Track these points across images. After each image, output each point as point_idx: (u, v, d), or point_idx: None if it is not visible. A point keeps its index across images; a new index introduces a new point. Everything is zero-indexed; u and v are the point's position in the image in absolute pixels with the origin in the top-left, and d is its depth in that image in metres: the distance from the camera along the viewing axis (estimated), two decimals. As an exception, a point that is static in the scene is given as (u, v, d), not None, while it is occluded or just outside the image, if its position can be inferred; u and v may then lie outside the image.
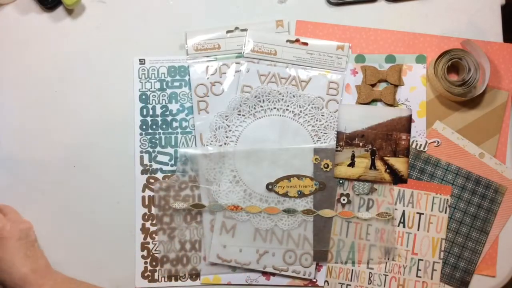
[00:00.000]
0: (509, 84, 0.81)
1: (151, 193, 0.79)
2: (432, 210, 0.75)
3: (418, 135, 0.79)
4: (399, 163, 0.76)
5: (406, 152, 0.77)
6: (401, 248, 0.74)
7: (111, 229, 0.79)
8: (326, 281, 0.76)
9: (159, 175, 0.79)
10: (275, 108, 0.79)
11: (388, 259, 0.74)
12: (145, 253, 0.78)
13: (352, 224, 0.75)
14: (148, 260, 0.78)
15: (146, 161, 0.80)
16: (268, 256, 0.77)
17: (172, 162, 0.79)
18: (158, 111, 0.81)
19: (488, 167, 0.77)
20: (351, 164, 0.77)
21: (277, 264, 0.77)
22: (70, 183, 0.79)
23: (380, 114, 0.77)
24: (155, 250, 0.78)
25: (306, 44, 0.80)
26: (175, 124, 0.80)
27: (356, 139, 0.77)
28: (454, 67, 0.81)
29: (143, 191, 0.79)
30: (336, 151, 0.77)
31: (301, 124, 0.78)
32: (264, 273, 0.78)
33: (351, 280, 0.75)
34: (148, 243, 0.78)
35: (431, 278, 0.74)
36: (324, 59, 0.80)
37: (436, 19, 0.83)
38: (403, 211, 0.75)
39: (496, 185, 0.75)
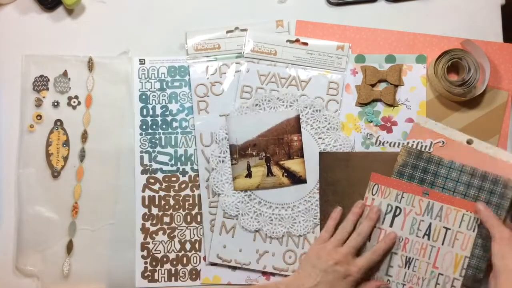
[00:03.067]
0: (509, 84, 0.81)
1: (151, 193, 0.79)
2: (460, 227, 0.73)
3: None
4: (295, 165, 0.76)
5: (300, 152, 0.76)
6: (423, 260, 0.73)
7: (111, 229, 0.78)
8: None
9: (159, 175, 0.79)
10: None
11: (408, 268, 0.73)
12: (145, 253, 0.78)
13: (377, 230, 0.74)
14: (148, 260, 0.78)
15: (146, 161, 0.80)
16: (268, 256, 0.77)
17: (172, 162, 0.79)
18: (158, 111, 0.81)
19: (495, 160, 0.75)
20: (248, 175, 0.77)
21: (277, 264, 0.77)
22: (70, 183, 0.79)
23: (268, 119, 0.77)
24: (155, 250, 0.78)
25: (306, 44, 0.80)
26: (175, 124, 0.80)
27: (249, 149, 0.77)
28: (454, 67, 0.81)
29: (143, 191, 0.79)
30: (232, 164, 0.77)
31: (303, 127, 0.78)
32: (264, 273, 0.78)
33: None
34: (148, 243, 0.78)
35: None
36: (324, 59, 0.80)
37: (436, 19, 0.83)
38: (430, 223, 0.73)
39: (505, 180, 0.74)
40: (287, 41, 0.80)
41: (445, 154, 0.76)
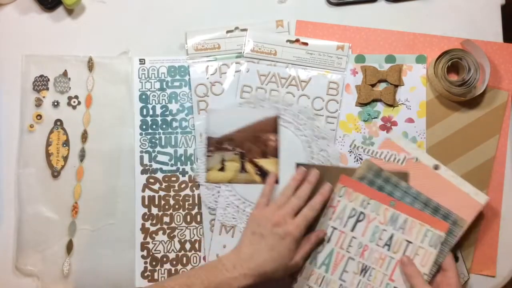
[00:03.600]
0: (509, 84, 0.81)
1: (151, 193, 0.79)
2: (422, 242, 0.71)
3: (418, 135, 0.79)
4: (269, 164, 0.76)
5: (275, 152, 0.76)
6: (379, 270, 0.71)
7: (111, 229, 0.78)
8: (295, 278, 0.72)
9: (159, 175, 0.79)
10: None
11: (363, 276, 0.71)
12: (145, 253, 0.78)
13: (337, 232, 0.73)
14: (148, 260, 0.78)
15: (146, 161, 0.80)
16: None
17: (172, 162, 0.79)
18: (158, 111, 0.81)
19: (458, 191, 0.74)
20: (222, 169, 0.77)
21: None
22: (70, 183, 0.79)
23: (247, 116, 0.77)
24: (155, 250, 0.78)
25: (306, 44, 0.80)
26: (175, 124, 0.80)
27: (225, 143, 0.77)
28: (454, 67, 0.81)
29: (143, 191, 0.79)
30: (207, 156, 0.77)
31: (294, 133, 0.78)
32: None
33: (319, 286, 0.71)
34: (148, 243, 0.78)
35: None
36: (324, 59, 0.80)
37: (436, 19, 0.83)
38: (392, 234, 0.71)
39: (456, 217, 0.71)
40: (287, 41, 0.80)
41: (413, 173, 0.75)
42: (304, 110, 0.78)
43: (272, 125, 0.77)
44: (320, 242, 0.73)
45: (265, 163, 0.76)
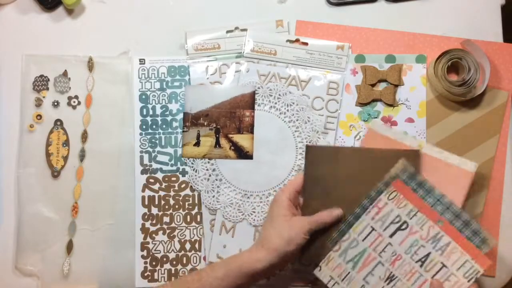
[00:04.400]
0: (509, 84, 0.81)
1: (151, 193, 0.79)
2: (457, 270, 0.68)
3: (418, 135, 0.79)
4: (244, 140, 0.77)
5: (250, 128, 0.77)
6: (406, 283, 0.69)
7: (111, 229, 0.78)
8: (319, 266, 0.71)
9: (159, 175, 0.79)
10: (263, 103, 0.79)
11: (388, 284, 0.69)
12: (145, 253, 0.78)
13: (375, 233, 0.70)
14: (148, 260, 0.78)
15: (146, 161, 0.80)
16: None
17: (172, 162, 0.79)
18: (158, 111, 0.81)
19: (446, 165, 0.73)
20: (197, 144, 0.78)
21: None
22: (70, 183, 0.79)
23: (224, 93, 0.78)
24: (155, 250, 0.78)
25: (306, 44, 0.80)
26: (175, 124, 0.80)
27: (201, 118, 0.78)
28: (454, 67, 0.81)
29: (143, 191, 0.79)
30: (183, 131, 0.78)
31: (286, 123, 0.78)
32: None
33: (342, 280, 0.70)
34: (148, 243, 0.78)
35: None
36: (324, 59, 0.80)
37: (436, 19, 0.83)
38: (429, 252, 0.69)
39: (485, 235, 0.68)
40: (287, 41, 0.80)
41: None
42: (297, 100, 0.78)
43: (248, 102, 0.78)
44: (337, 221, 0.71)
45: (240, 138, 0.77)
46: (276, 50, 0.80)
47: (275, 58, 0.80)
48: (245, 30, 0.81)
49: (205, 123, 0.78)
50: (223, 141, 0.78)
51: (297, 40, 0.80)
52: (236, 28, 0.81)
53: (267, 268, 0.66)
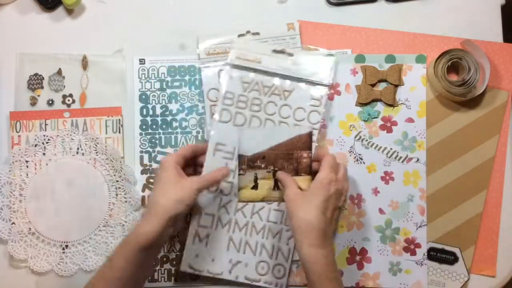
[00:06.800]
0: (509, 84, 0.81)
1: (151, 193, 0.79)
2: (106, 133, 0.77)
3: (418, 135, 0.79)
4: (302, 182, 0.74)
5: (308, 170, 0.75)
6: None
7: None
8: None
9: (159, 175, 0.79)
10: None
11: None
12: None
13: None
14: (148, 260, 0.78)
15: (146, 161, 0.80)
16: (241, 266, 0.75)
17: (172, 162, 0.79)
18: (158, 111, 0.81)
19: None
20: (255, 187, 0.76)
21: (249, 275, 0.75)
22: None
23: (279, 134, 0.76)
24: (155, 250, 0.78)
25: (291, 55, 0.79)
26: (175, 124, 0.80)
27: (258, 161, 0.76)
28: (454, 67, 0.81)
29: (143, 191, 0.79)
30: (239, 174, 0.76)
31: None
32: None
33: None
34: (148, 243, 0.78)
35: None
36: (308, 70, 0.78)
37: (436, 19, 0.83)
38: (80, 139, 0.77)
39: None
40: (273, 51, 0.79)
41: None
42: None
43: (305, 142, 0.76)
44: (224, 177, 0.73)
45: (298, 180, 0.74)
46: (261, 59, 0.78)
47: (260, 66, 0.78)
48: (257, 33, 0.80)
49: (262, 166, 0.76)
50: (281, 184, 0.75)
51: (282, 50, 0.79)
52: (248, 31, 0.80)
53: (162, 234, 0.65)
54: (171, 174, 0.68)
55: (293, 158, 0.75)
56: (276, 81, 0.78)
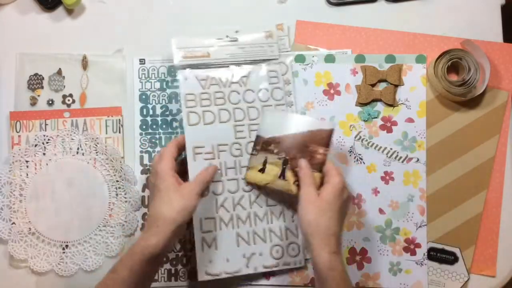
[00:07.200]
0: (509, 84, 0.81)
1: (151, 193, 0.79)
2: (106, 133, 0.77)
3: (418, 135, 0.79)
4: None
5: (320, 167, 0.71)
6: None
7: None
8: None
9: (159, 175, 0.79)
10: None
11: None
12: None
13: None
14: (148, 260, 0.78)
15: (146, 161, 0.80)
16: (256, 257, 0.75)
17: (172, 162, 0.79)
18: (158, 111, 0.81)
19: None
20: (262, 170, 0.74)
21: (266, 263, 0.76)
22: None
23: (301, 123, 0.74)
24: (155, 250, 0.78)
25: (235, 40, 0.78)
26: (175, 124, 0.80)
27: (272, 145, 0.74)
28: (454, 67, 0.81)
29: (143, 191, 0.79)
30: (251, 154, 0.75)
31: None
32: (264, 273, 0.77)
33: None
34: (148, 243, 0.78)
35: None
36: (257, 50, 0.79)
37: (436, 19, 0.83)
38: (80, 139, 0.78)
39: None
40: (217, 39, 0.78)
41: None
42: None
43: (324, 138, 0.73)
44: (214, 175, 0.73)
45: None
46: (208, 52, 0.78)
47: (210, 60, 0.78)
48: (235, 40, 0.79)
49: (275, 151, 0.74)
50: (288, 174, 0.73)
51: (226, 37, 0.78)
52: (227, 36, 0.79)
53: (167, 246, 0.66)
54: (169, 183, 0.67)
55: (308, 151, 0.73)
56: (231, 69, 0.78)
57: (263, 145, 0.75)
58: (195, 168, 0.73)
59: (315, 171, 0.71)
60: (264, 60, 0.79)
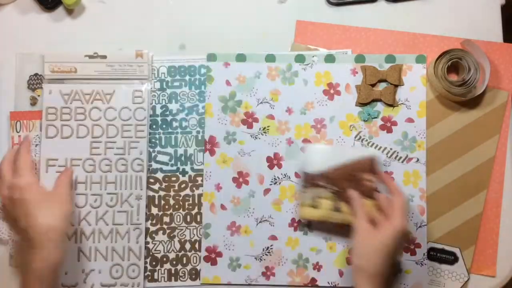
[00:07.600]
0: (509, 84, 0.81)
1: (151, 193, 0.79)
2: None
3: (418, 135, 0.79)
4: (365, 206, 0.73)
5: (371, 194, 0.74)
6: None
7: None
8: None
9: (159, 175, 0.79)
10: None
11: None
12: (145, 253, 0.78)
13: None
14: (148, 260, 0.78)
15: (146, 161, 0.80)
16: (95, 274, 0.76)
17: (172, 162, 0.79)
18: (158, 111, 0.81)
19: None
20: (314, 205, 0.75)
21: (104, 281, 0.76)
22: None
23: (345, 154, 0.76)
24: (155, 250, 0.78)
25: (104, 57, 0.79)
26: (175, 124, 0.80)
27: (320, 179, 0.75)
28: (454, 67, 0.81)
29: (143, 191, 0.79)
30: (301, 192, 0.76)
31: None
32: (264, 273, 0.77)
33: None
34: (148, 243, 0.78)
35: None
36: (125, 69, 0.79)
37: (436, 19, 0.83)
38: None
39: None
40: (86, 56, 0.79)
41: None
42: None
43: (369, 165, 0.75)
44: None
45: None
46: (76, 68, 0.79)
47: (76, 76, 0.79)
48: (104, 57, 0.79)
49: (324, 185, 0.75)
50: (342, 206, 0.75)
51: (95, 54, 0.79)
52: (95, 53, 0.80)
53: (63, 254, 0.66)
54: (40, 193, 0.68)
55: (354, 180, 0.75)
56: (96, 86, 0.79)
57: (311, 180, 0.76)
58: (47, 180, 0.75)
59: (366, 197, 0.73)
60: (131, 79, 0.80)
